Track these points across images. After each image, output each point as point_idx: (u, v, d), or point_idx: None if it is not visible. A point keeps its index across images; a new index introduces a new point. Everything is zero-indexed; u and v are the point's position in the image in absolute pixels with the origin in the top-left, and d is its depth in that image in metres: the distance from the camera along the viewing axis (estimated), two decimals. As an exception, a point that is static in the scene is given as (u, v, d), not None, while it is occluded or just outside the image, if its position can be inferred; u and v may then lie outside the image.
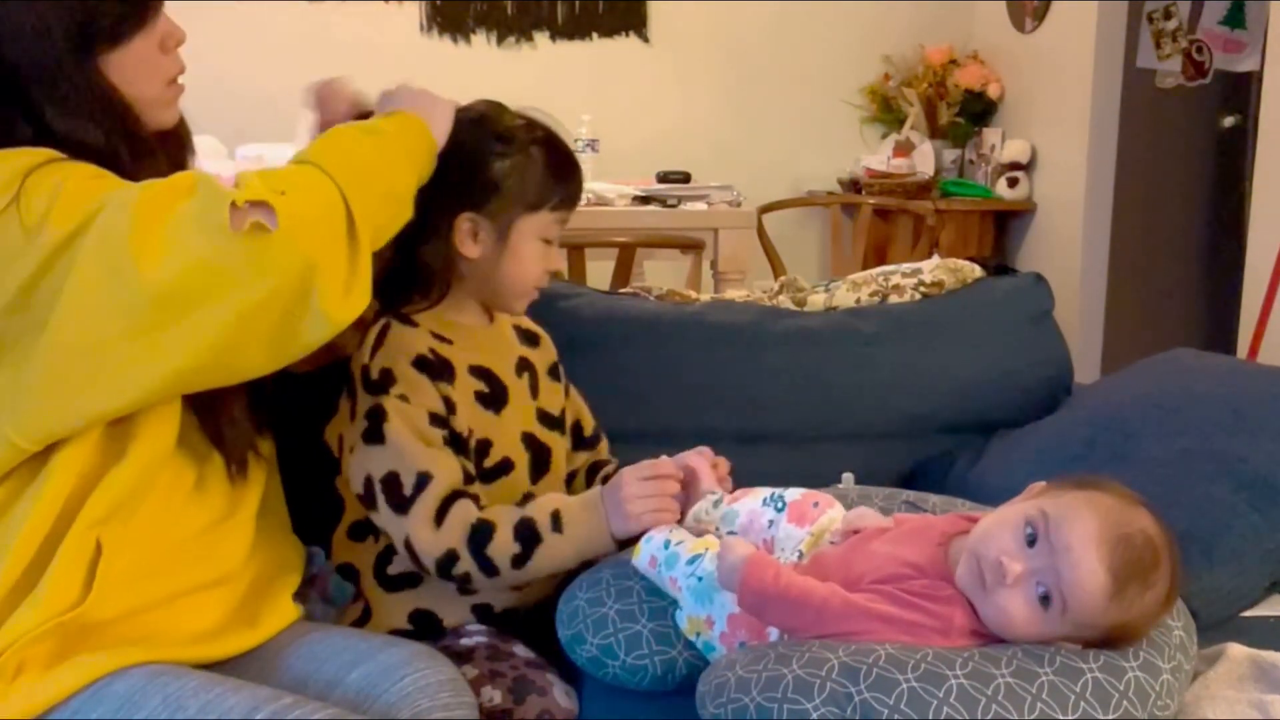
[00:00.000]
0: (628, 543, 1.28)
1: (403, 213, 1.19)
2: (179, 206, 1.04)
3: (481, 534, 1.25)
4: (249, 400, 1.26)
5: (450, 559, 1.25)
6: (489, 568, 1.25)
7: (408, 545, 1.26)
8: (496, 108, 1.38)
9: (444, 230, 1.33)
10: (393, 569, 1.35)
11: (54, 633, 1.09)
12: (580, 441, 1.56)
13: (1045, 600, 1.06)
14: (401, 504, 1.26)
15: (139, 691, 1.08)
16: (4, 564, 1.10)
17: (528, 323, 1.52)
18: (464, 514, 1.26)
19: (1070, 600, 1.05)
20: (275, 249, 1.02)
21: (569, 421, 1.53)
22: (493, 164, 1.33)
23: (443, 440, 1.30)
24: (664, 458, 1.31)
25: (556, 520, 1.27)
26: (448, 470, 1.27)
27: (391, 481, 1.27)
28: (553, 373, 1.51)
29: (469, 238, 1.34)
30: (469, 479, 1.31)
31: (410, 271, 1.35)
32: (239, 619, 1.23)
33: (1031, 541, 1.08)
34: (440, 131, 1.26)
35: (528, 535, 1.26)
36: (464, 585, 1.30)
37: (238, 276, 1.02)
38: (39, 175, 1.06)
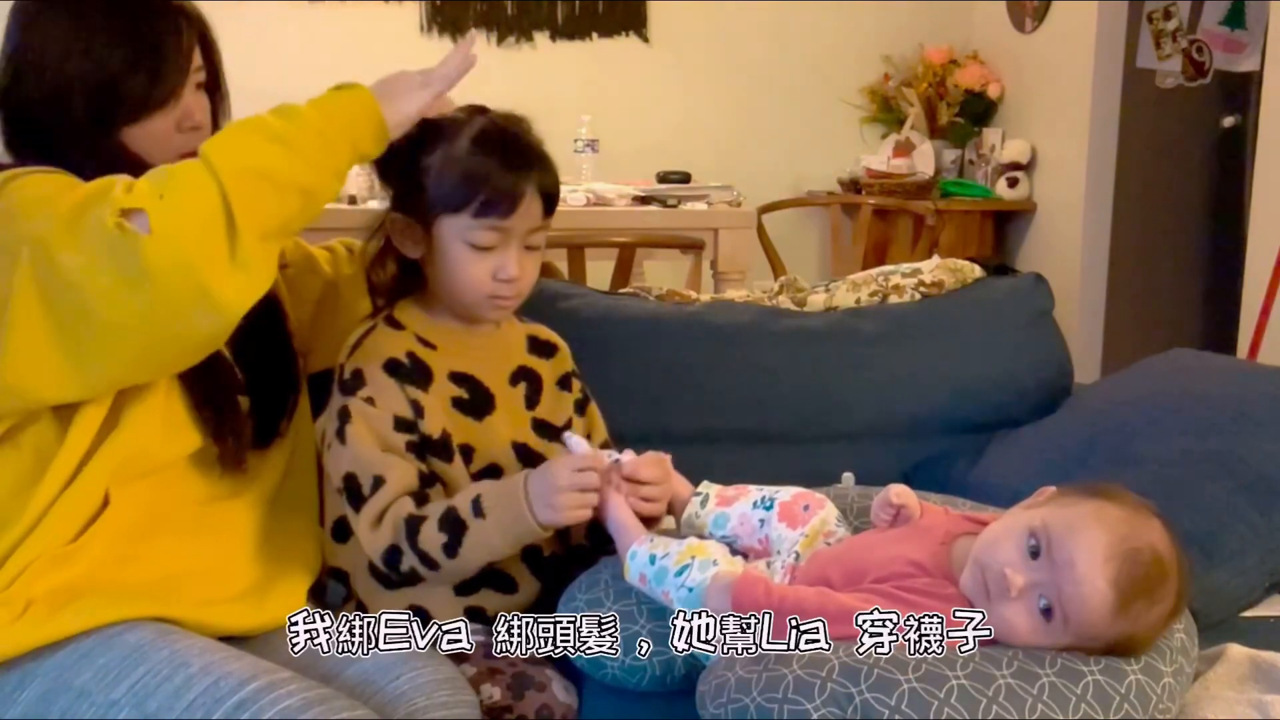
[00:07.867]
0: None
1: (308, 203, 1.14)
2: (91, 213, 1.07)
3: (413, 528, 1.26)
4: (262, 395, 1.32)
5: (393, 555, 1.26)
6: (427, 560, 1.25)
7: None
8: (471, 109, 1.32)
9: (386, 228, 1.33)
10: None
11: (58, 568, 1.14)
12: None
13: (1047, 613, 1.06)
14: (358, 505, 1.28)
15: (148, 644, 1.11)
16: (22, 517, 1.15)
17: (546, 333, 1.50)
18: (399, 510, 1.27)
19: (1072, 614, 1.05)
20: (148, 253, 1.04)
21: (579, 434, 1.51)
22: (418, 160, 1.28)
23: (405, 445, 1.30)
24: (588, 449, 1.30)
25: (477, 505, 1.25)
26: (401, 475, 1.28)
27: (351, 481, 1.29)
28: (564, 384, 1.49)
29: (404, 238, 1.33)
30: (428, 481, 1.31)
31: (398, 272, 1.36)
32: (246, 597, 1.25)
33: (1034, 553, 1.07)
34: (399, 111, 1.20)
35: (453, 522, 1.25)
36: (413, 581, 1.30)
37: (126, 282, 1.05)
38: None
